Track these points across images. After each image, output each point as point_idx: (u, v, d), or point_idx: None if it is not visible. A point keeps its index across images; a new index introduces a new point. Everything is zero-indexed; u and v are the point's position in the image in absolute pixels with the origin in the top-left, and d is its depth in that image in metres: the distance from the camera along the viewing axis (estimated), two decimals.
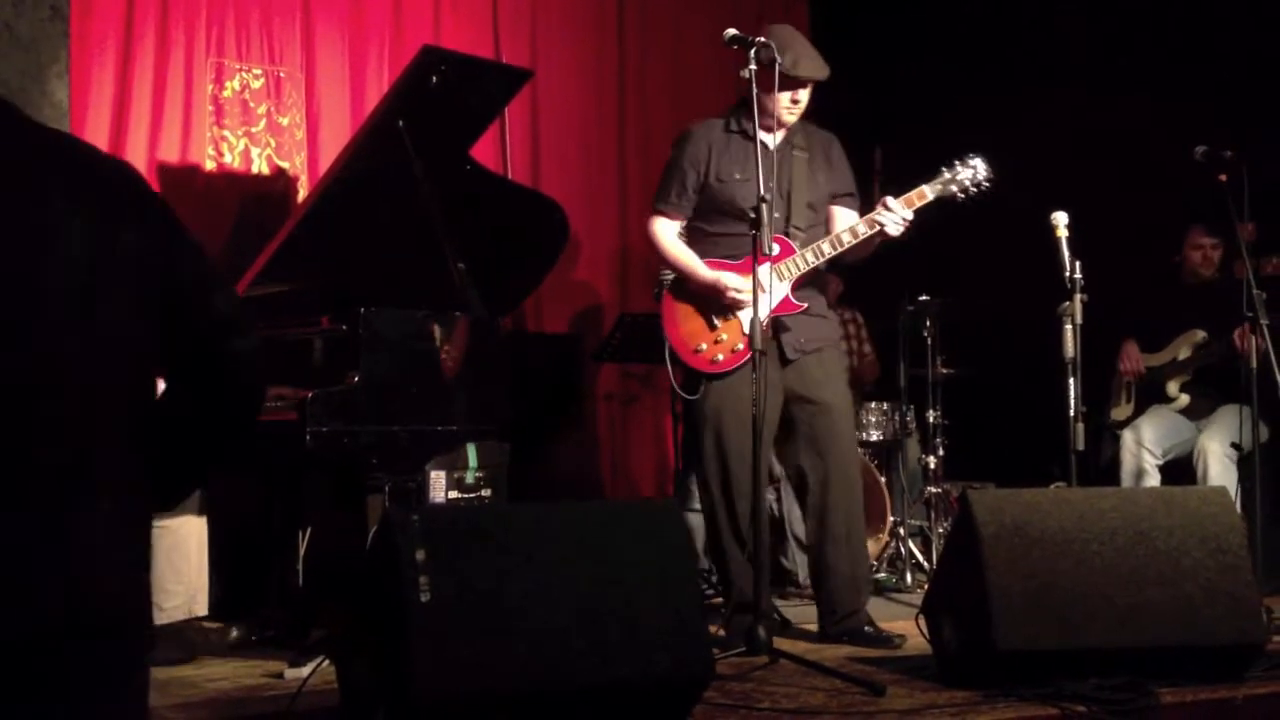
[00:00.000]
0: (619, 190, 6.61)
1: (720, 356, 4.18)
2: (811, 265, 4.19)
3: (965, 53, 6.95)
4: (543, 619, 2.89)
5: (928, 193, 4.21)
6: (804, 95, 4.18)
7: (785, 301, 4.17)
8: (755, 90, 3.93)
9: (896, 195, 4.20)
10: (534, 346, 4.97)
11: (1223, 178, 4.43)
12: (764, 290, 3.96)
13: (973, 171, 4.23)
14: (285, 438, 3.89)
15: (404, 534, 2.86)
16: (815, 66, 4.14)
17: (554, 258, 5.06)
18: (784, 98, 4.10)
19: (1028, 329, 5.00)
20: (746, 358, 4.09)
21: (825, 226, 4.33)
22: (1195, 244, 5.51)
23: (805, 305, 4.22)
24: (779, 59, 3.96)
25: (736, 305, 4.17)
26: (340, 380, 3.93)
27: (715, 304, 4.20)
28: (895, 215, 4.13)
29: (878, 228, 4.15)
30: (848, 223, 4.32)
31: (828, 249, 4.18)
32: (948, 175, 4.23)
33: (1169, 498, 3.66)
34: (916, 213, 4.18)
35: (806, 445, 4.22)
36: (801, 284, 4.21)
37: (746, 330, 4.12)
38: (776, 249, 4.12)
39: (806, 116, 4.31)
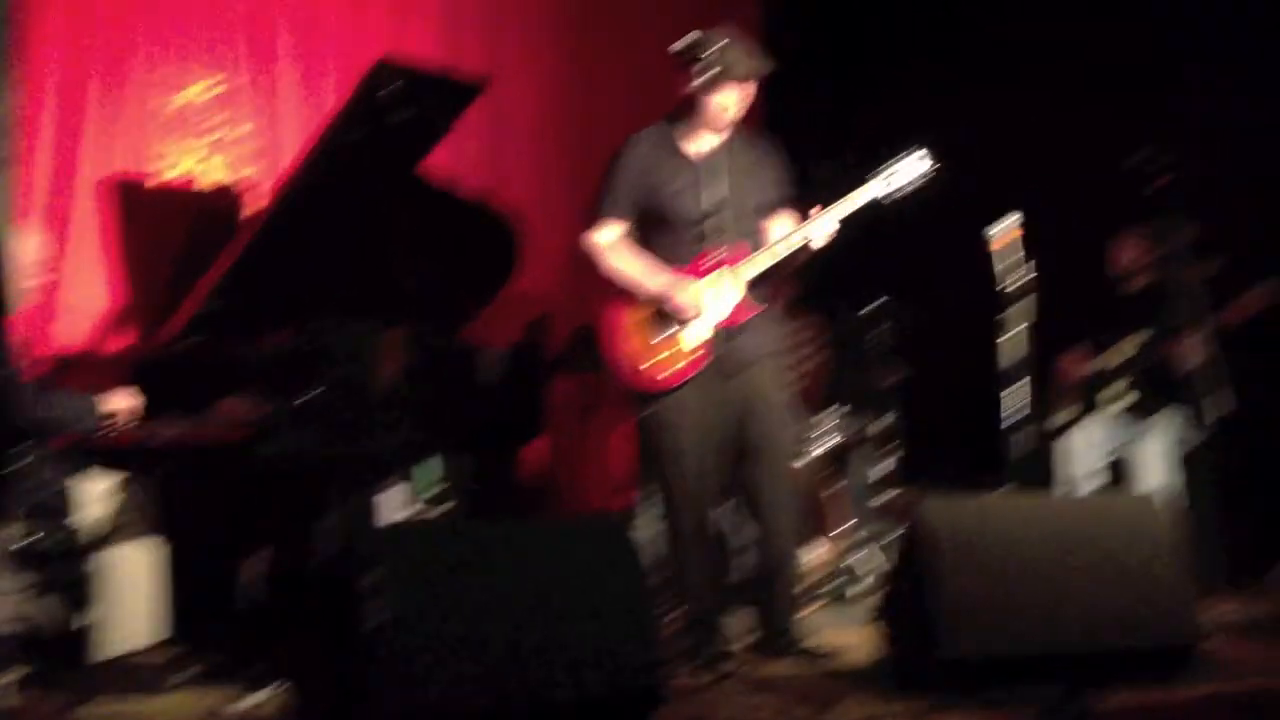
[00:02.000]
0: (576, 201, 6.61)
1: (663, 375, 4.12)
2: (766, 266, 4.14)
3: (909, 57, 7.03)
4: (500, 637, 2.93)
5: (867, 191, 4.18)
6: (740, 96, 4.12)
7: (740, 307, 4.13)
8: (701, 97, 3.93)
9: (827, 204, 4.16)
10: (491, 358, 4.97)
11: (1159, 184, 4.51)
12: (717, 298, 3.96)
13: (911, 164, 4.17)
14: (237, 456, 3.88)
15: (360, 553, 2.89)
16: (757, 65, 4.10)
17: (511, 269, 5.07)
18: (725, 98, 4.07)
19: (973, 336, 5.06)
20: (690, 375, 4.11)
21: (762, 235, 4.29)
22: (1122, 245, 5.63)
23: (759, 309, 4.18)
24: (719, 61, 3.95)
25: (683, 315, 4.13)
26: (294, 397, 3.92)
27: (658, 320, 4.14)
28: (823, 224, 4.12)
29: (811, 236, 4.13)
30: (785, 231, 4.32)
31: (782, 250, 4.15)
32: (886, 168, 4.18)
33: (1110, 501, 3.75)
34: (862, 215, 4.16)
35: (749, 454, 4.19)
36: (754, 287, 4.17)
37: (687, 348, 4.11)
38: (726, 252, 4.10)
39: (746, 120, 4.26)
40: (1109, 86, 6.08)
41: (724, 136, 4.20)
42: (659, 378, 4.14)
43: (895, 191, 4.18)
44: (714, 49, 3.97)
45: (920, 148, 4.19)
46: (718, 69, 3.97)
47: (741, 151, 4.26)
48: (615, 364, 4.18)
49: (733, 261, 4.12)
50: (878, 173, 4.19)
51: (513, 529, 3.32)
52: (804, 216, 4.21)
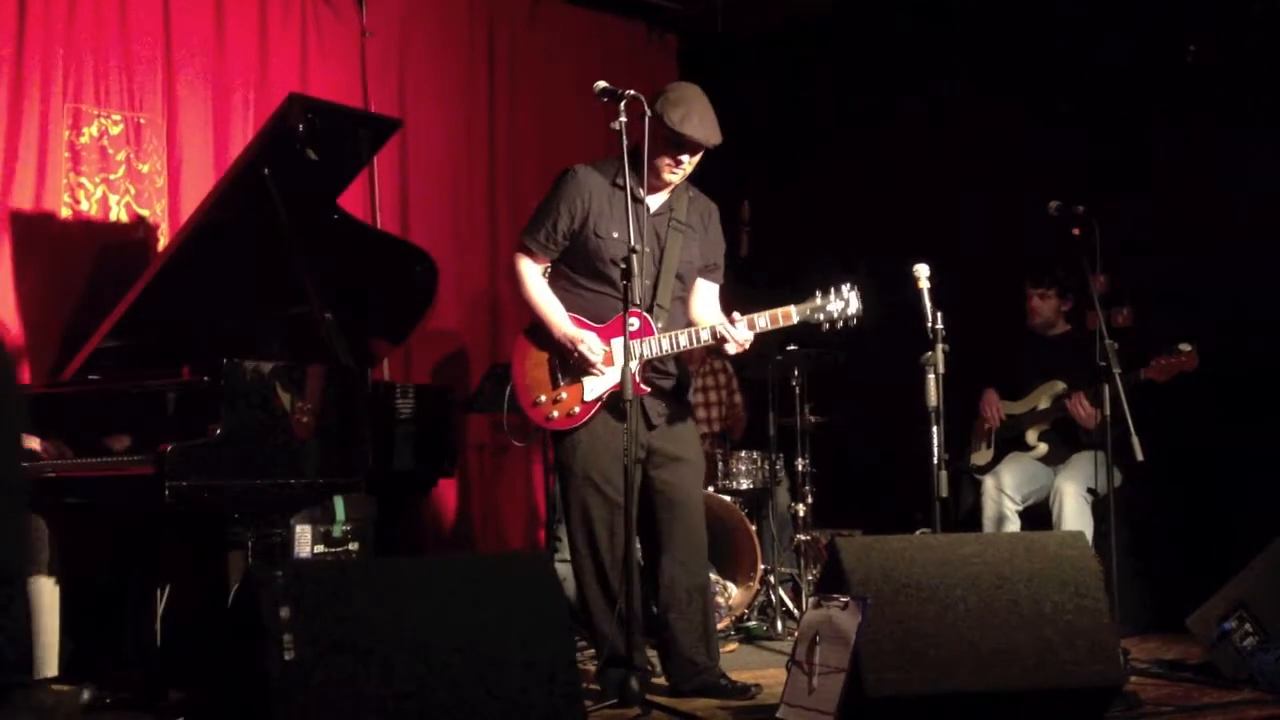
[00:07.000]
0: (489, 239, 6.60)
1: (555, 414, 4.14)
2: (659, 354, 4.13)
3: (831, 103, 7.11)
4: (410, 677, 2.85)
5: (794, 315, 4.15)
6: (688, 159, 4.10)
7: (633, 381, 4.00)
8: (627, 143, 3.89)
9: (781, 305, 4.12)
10: (403, 397, 4.90)
11: (1076, 232, 4.57)
12: (613, 364, 3.94)
13: (843, 305, 4.15)
14: (142, 492, 3.78)
15: (267, 591, 2.79)
16: (704, 131, 4.03)
17: (424, 307, 5.02)
18: (666, 158, 4.06)
19: (892, 378, 5.08)
20: (582, 421, 4.12)
21: (686, 298, 4.31)
22: (1027, 296, 5.72)
23: (649, 390, 4.13)
24: (664, 115, 3.94)
25: (586, 367, 4.12)
26: (201, 433, 3.83)
27: (565, 361, 4.15)
28: (738, 335, 4.06)
29: (721, 340, 4.09)
30: (708, 296, 4.36)
31: (685, 341, 4.13)
32: (818, 302, 4.15)
33: (1029, 543, 3.74)
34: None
35: (659, 501, 4.18)
36: (650, 364, 4.14)
37: (587, 396, 4.13)
38: (637, 324, 3.99)
39: (691, 178, 4.24)
40: (1027, 136, 6.18)
41: (671, 191, 4.19)
42: (548, 417, 4.16)
43: (826, 321, 4.16)
44: (643, 103, 3.91)
45: (851, 284, 4.19)
46: (678, 130, 3.96)
47: (684, 208, 4.25)
48: (515, 388, 4.23)
49: (640, 335, 4.04)
50: (820, 296, 4.16)
51: (427, 565, 3.23)
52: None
